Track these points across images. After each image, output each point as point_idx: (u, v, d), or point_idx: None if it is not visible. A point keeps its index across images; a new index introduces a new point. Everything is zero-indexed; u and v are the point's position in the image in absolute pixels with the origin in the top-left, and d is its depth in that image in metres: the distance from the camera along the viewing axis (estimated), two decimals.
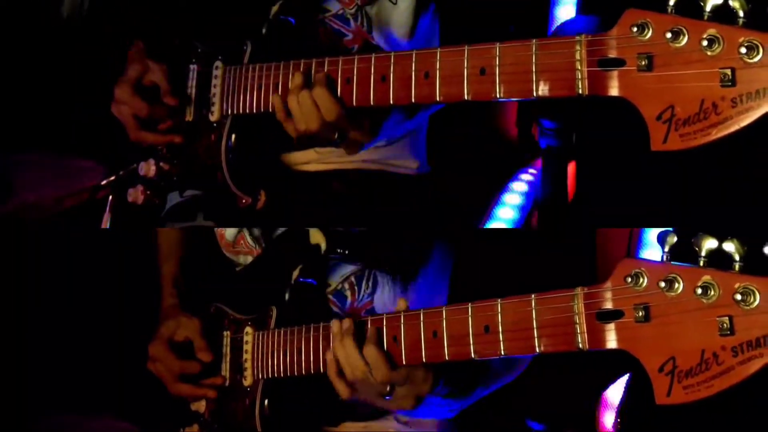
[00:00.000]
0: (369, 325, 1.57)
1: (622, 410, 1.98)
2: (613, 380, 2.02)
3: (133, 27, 1.96)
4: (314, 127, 1.64)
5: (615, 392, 2.03)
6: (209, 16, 1.87)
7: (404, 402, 1.58)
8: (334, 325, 1.60)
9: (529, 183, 2.21)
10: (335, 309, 1.82)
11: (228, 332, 1.84)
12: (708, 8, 1.22)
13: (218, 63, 1.82)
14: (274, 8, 1.79)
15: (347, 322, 1.58)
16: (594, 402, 2.02)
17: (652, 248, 1.96)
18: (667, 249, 1.26)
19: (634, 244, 2.03)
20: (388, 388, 1.55)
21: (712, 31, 1.22)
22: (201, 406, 1.86)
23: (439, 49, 1.49)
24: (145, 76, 1.86)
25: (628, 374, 1.99)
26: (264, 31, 1.79)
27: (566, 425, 2.03)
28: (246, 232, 1.91)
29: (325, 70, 1.63)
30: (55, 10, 2.12)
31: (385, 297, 1.82)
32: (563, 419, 2.04)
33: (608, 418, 2.01)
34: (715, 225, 1.26)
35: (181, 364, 1.82)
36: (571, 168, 2.20)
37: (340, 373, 1.59)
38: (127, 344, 2.07)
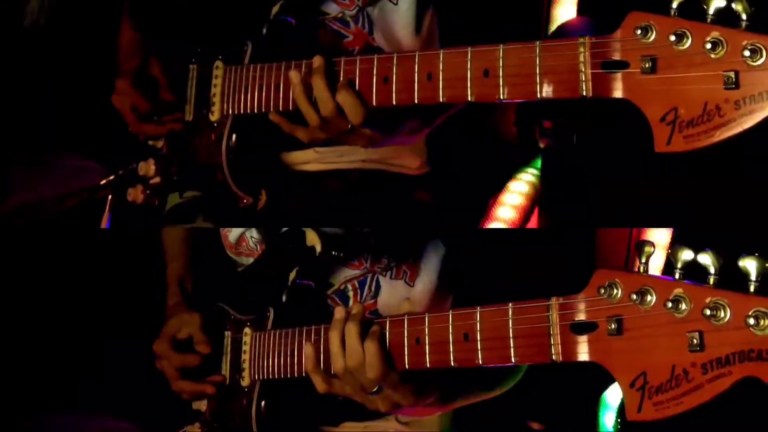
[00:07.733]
0: (374, 324, 1.53)
1: (622, 410, 1.98)
2: (613, 380, 2.02)
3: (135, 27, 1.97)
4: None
5: (615, 392, 2.04)
6: (210, 16, 1.87)
7: (381, 404, 1.56)
8: (338, 312, 1.56)
9: (529, 183, 2.20)
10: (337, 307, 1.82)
11: (229, 332, 1.84)
12: (711, 11, 1.22)
13: (218, 63, 1.82)
14: (275, 8, 1.79)
15: (357, 307, 1.55)
16: (594, 402, 2.02)
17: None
18: (644, 260, 1.23)
19: (634, 245, 2.03)
20: (375, 387, 1.53)
21: (715, 33, 1.22)
22: (202, 405, 1.86)
23: (442, 51, 1.49)
24: (145, 70, 1.87)
25: None
26: (264, 31, 1.79)
27: (566, 425, 2.03)
28: (248, 234, 1.91)
29: None
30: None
31: (389, 299, 1.82)
32: (563, 419, 2.04)
33: (608, 418, 2.01)
34: (714, 226, 1.26)
35: (181, 358, 1.83)
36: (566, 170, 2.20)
37: (319, 366, 1.58)
38: (127, 344, 2.07)
